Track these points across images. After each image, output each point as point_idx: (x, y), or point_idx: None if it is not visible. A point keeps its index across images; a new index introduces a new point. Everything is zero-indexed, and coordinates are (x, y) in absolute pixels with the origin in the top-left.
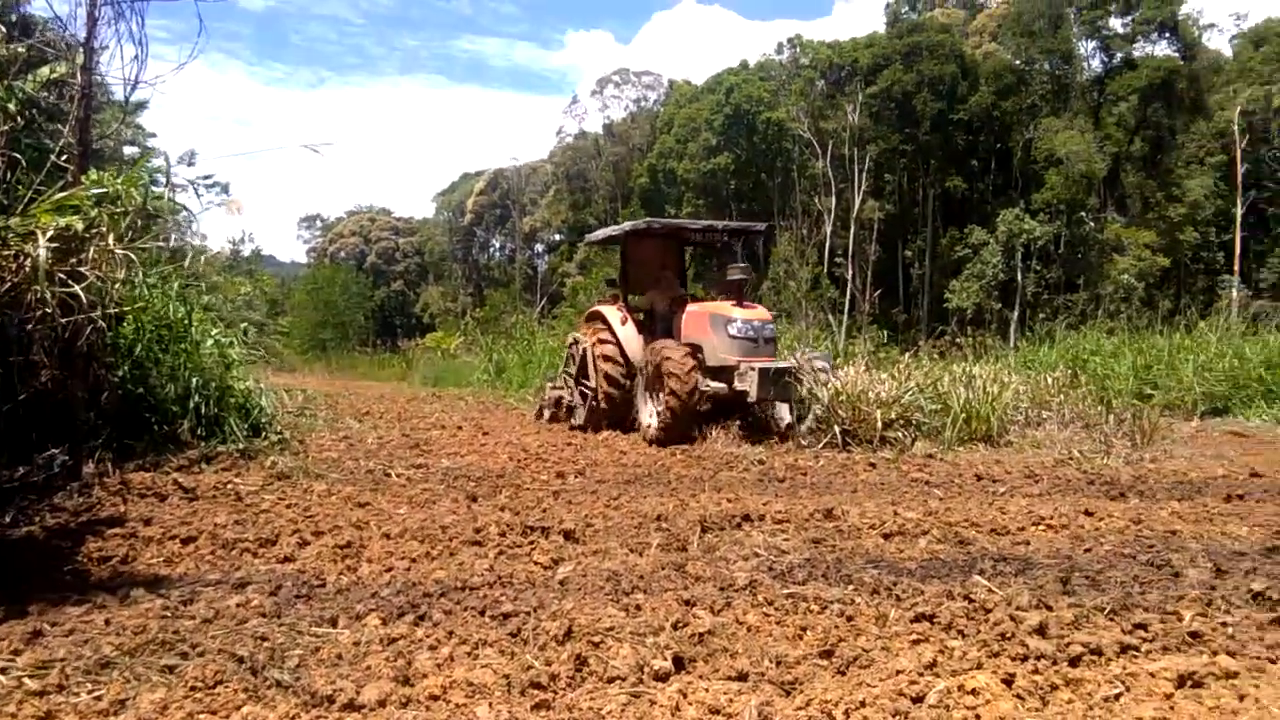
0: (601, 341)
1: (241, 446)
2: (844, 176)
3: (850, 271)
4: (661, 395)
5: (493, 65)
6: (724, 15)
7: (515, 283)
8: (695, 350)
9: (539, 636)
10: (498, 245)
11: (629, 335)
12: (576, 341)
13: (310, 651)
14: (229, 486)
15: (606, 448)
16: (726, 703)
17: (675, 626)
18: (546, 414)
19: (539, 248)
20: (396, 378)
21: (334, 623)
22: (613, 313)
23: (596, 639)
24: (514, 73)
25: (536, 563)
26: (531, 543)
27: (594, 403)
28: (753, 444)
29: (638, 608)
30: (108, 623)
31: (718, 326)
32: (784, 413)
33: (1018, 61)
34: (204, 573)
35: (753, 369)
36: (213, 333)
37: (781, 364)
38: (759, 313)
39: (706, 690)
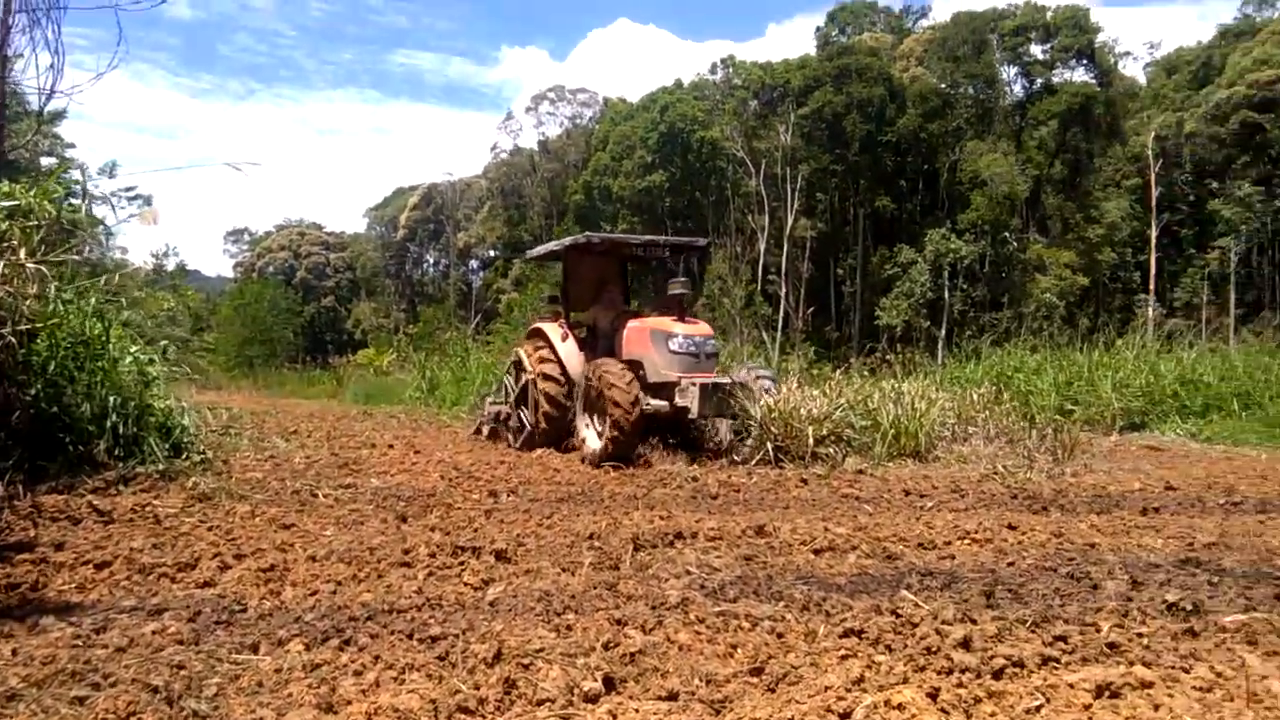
0: (543, 360)
1: (161, 467)
2: (777, 195)
3: (783, 289)
4: (604, 415)
5: (427, 80)
6: (659, 35)
7: (449, 299)
8: (636, 366)
9: (468, 659)
10: (431, 261)
11: (570, 352)
12: (518, 359)
13: (229, 680)
14: (147, 509)
15: (540, 465)
16: None
17: (606, 646)
18: (485, 430)
19: (474, 264)
20: (327, 395)
21: (255, 649)
22: (553, 330)
23: (526, 661)
24: (449, 88)
25: (467, 584)
26: (462, 563)
27: (534, 422)
28: (687, 461)
29: (569, 628)
30: (15, 653)
31: (658, 342)
32: (724, 429)
33: (943, 85)
34: (118, 599)
35: (694, 385)
36: (132, 349)
37: (722, 379)
38: (700, 328)
39: (636, 711)
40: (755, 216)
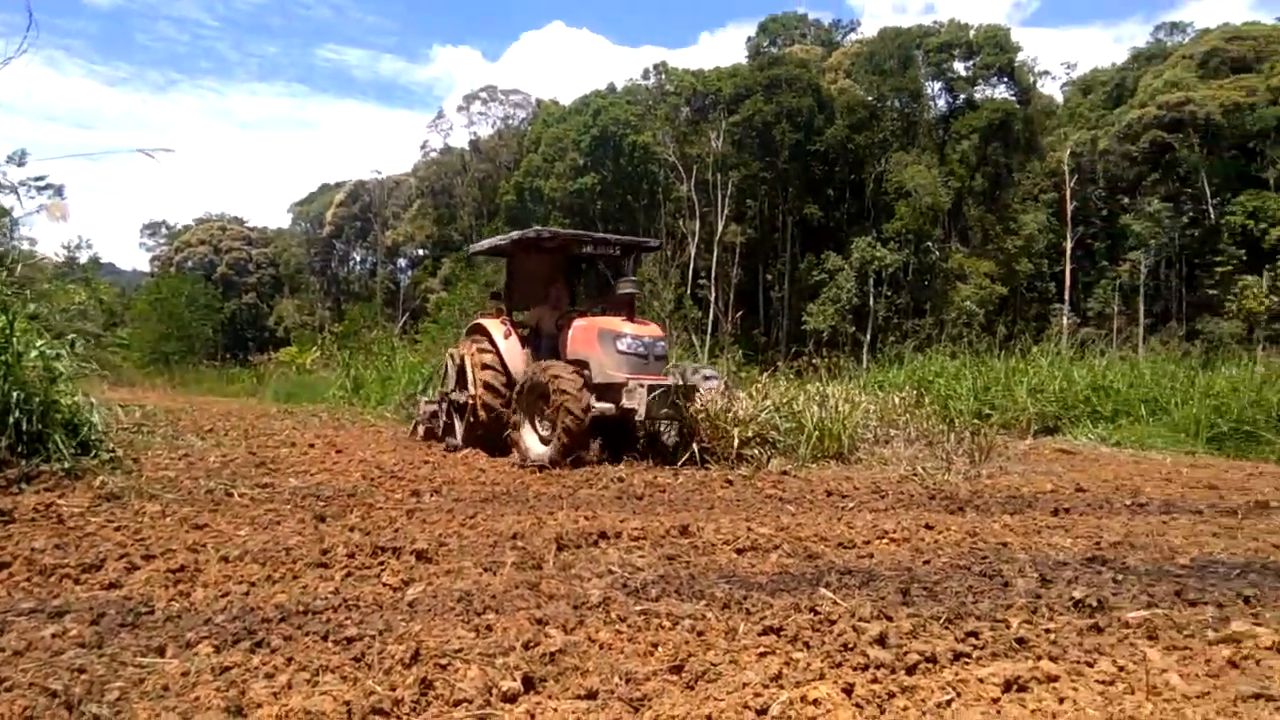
0: (481, 351)
1: (67, 465)
2: (708, 201)
3: (713, 293)
4: (549, 418)
5: (356, 76)
6: (592, 39)
7: (376, 297)
8: (581, 366)
9: (384, 660)
10: (358, 259)
11: (512, 351)
12: (458, 357)
13: (133, 684)
14: (51, 508)
15: (465, 465)
16: None
17: (526, 646)
18: (422, 430)
19: (402, 262)
20: (246, 394)
21: (161, 652)
22: (495, 326)
23: (444, 661)
24: (378, 85)
25: (386, 584)
26: (381, 564)
27: (472, 416)
28: (613, 462)
29: (489, 628)
30: None
31: (606, 342)
32: (673, 432)
33: (870, 98)
34: (17, 601)
35: (641, 386)
36: (38, 344)
37: (670, 382)
38: (650, 329)
39: (555, 710)
40: (686, 221)
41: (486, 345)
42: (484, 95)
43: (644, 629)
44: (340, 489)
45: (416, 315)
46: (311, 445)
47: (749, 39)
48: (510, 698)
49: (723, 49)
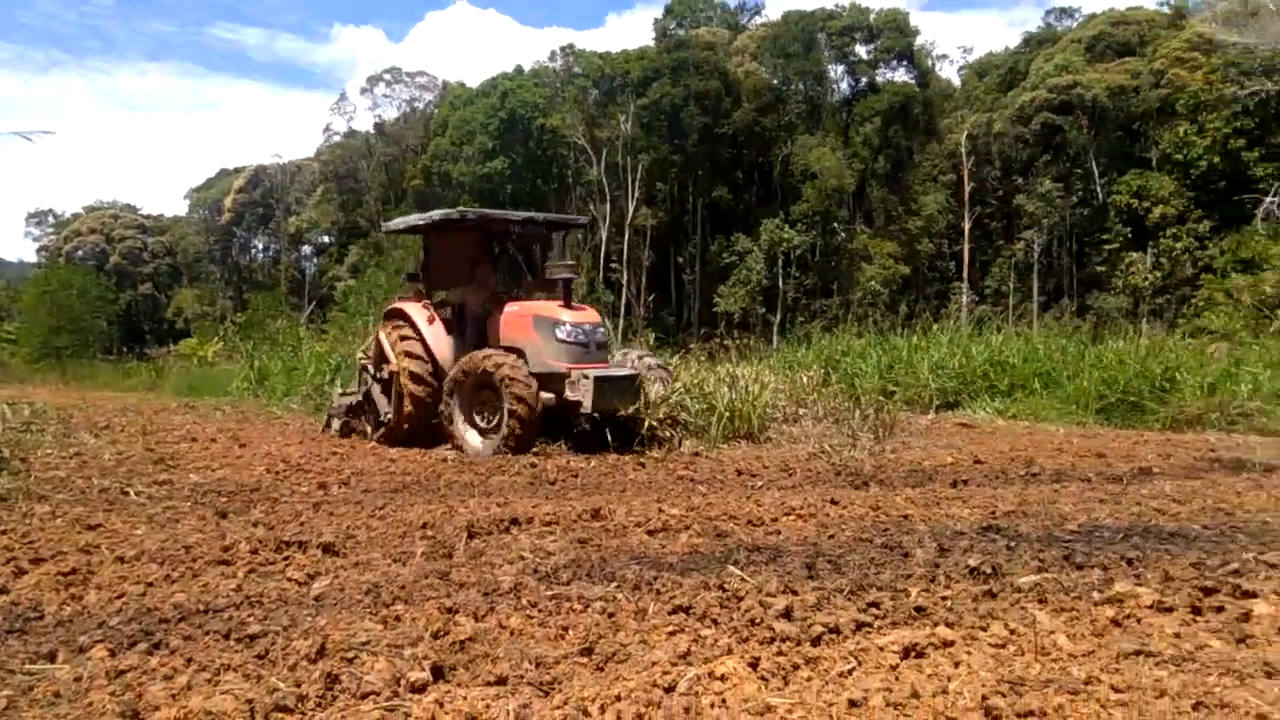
0: (404, 338)
1: None
2: (618, 184)
3: (625, 276)
4: (492, 410)
5: (253, 56)
6: (498, 20)
7: (281, 286)
8: (517, 355)
9: (289, 656)
10: (260, 246)
11: (437, 337)
12: (378, 345)
13: (22, 691)
14: None
15: (375, 456)
16: (484, 708)
17: (436, 636)
18: (336, 424)
19: (307, 249)
20: (144, 388)
21: (52, 657)
22: (417, 310)
23: (351, 654)
24: (277, 65)
25: (291, 579)
26: (286, 559)
27: (396, 415)
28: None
29: (397, 619)
30: None
31: (544, 329)
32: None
33: (776, 81)
34: None
35: (586, 377)
36: None
37: (620, 371)
38: (588, 315)
39: (465, 698)
40: (597, 204)
41: (408, 331)
42: (388, 77)
43: (555, 613)
44: (243, 484)
45: (323, 304)
46: (213, 440)
47: (655, 21)
48: (419, 688)
49: (630, 31)
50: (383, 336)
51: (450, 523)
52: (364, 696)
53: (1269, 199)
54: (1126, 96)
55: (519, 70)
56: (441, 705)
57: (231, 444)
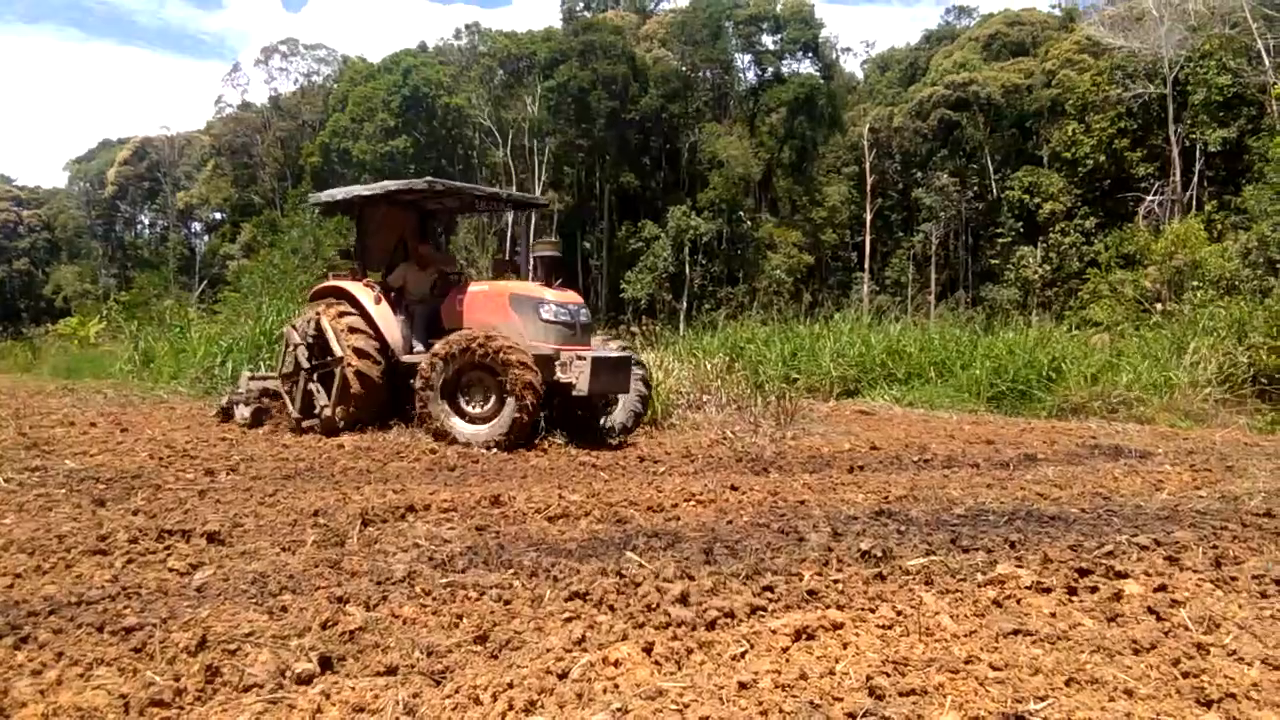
0: (343, 315)
1: None
2: (525, 167)
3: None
4: (484, 395)
5: (138, 21)
6: None
7: (169, 264)
8: None
9: (167, 649)
10: (147, 222)
11: (385, 316)
12: (316, 326)
13: None
14: None
15: (268, 441)
16: (372, 699)
17: (324, 626)
18: (245, 412)
19: (196, 226)
20: (20, 369)
21: None
22: (360, 289)
23: (233, 646)
24: (164, 32)
25: (172, 569)
26: (168, 548)
27: (338, 402)
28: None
29: (284, 609)
30: None
31: (525, 309)
32: (620, 410)
33: (683, 68)
34: None
35: (581, 358)
36: None
37: (614, 353)
38: (570, 295)
39: (353, 689)
40: (502, 187)
41: (349, 309)
42: (284, 48)
43: (449, 601)
44: (124, 470)
45: (215, 283)
46: (93, 424)
47: (562, 1)
48: (305, 679)
49: (536, 11)
50: (322, 318)
51: (344, 510)
52: (246, 689)
53: (1150, 198)
54: (1020, 95)
55: (422, 47)
56: (328, 697)
57: (113, 429)
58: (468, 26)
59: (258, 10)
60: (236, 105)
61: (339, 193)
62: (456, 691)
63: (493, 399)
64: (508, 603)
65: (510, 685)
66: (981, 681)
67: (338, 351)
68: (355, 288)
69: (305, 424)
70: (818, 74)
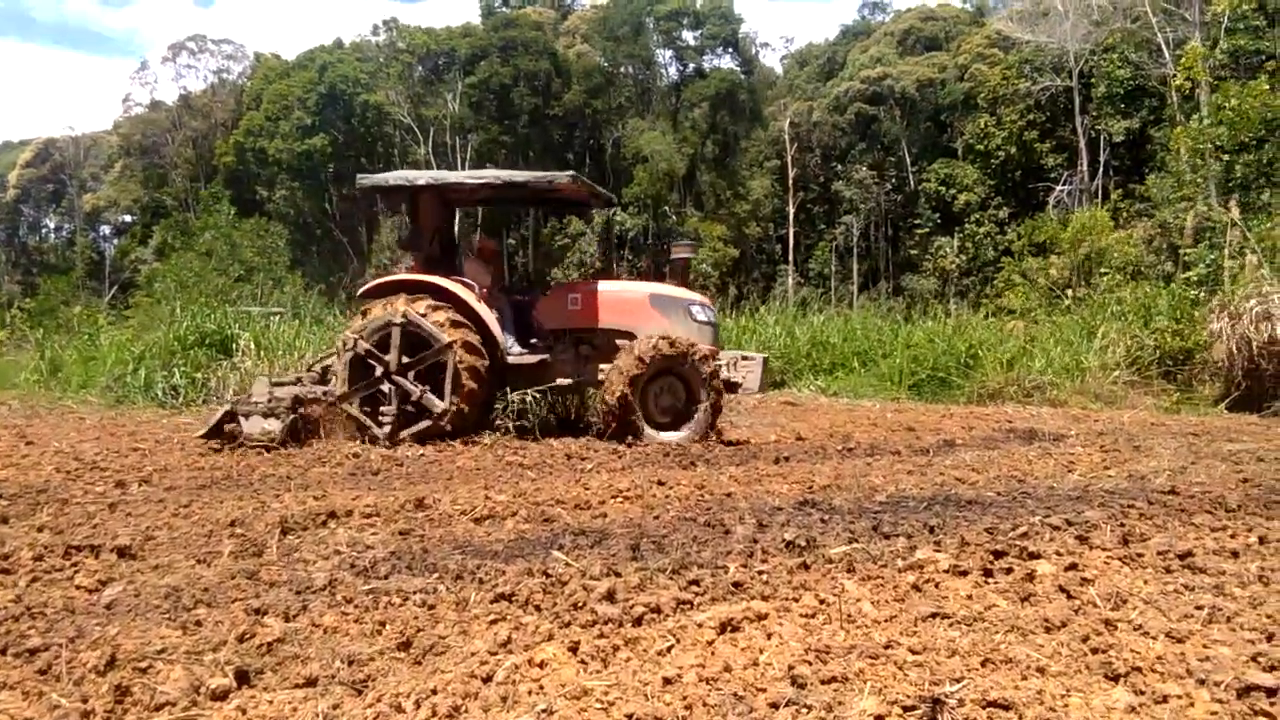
0: (436, 308)
1: None
2: (447, 164)
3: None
4: (676, 396)
5: (37, 16)
6: None
7: (77, 269)
8: (615, 338)
9: (74, 670)
10: (52, 226)
11: (488, 313)
12: (405, 323)
13: None
14: None
15: (181, 451)
16: (291, 712)
17: (241, 639)
18: (263, 427)
19: (105, 229)
20: None
21: None
22: (456, 286)
23: (145, 664)
24: (65, 28)
25: (80, 586)
26: (75, 564)
27: (451, 405)
28: (349, 437)
29: (198, 623)
30: None
31: (674, 311)
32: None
33: (606, 64)
34: None
35: (748, 358)
36: None
37: (758, 354)
38: (704, 297)
39: (270, 702)
40: None
41: (443, 304)
42: (192, 45)
43: (371, 608)
44: (29, 485)
45: (126, 288)
46: None
47: None
48: (220, 695)
49: (453, 6)
50: (417, 315)
51: (262, 519)
52: (158, 708)
53: (1059, 187)
54: (934, 89)
55: (338, 44)
56: (244, 712)
57: (17, 441)
58: (385, 23)
59: (166, 5)
60: (145, 104)
61: (471, 178)
62: (378, 700)
63: (671, 401)
64: (432, 607)
65: (434, 691)
66: (900, 666)
67: (443, 339)
68: (455, 286)
69: (407, 433)
70: (738, 69)
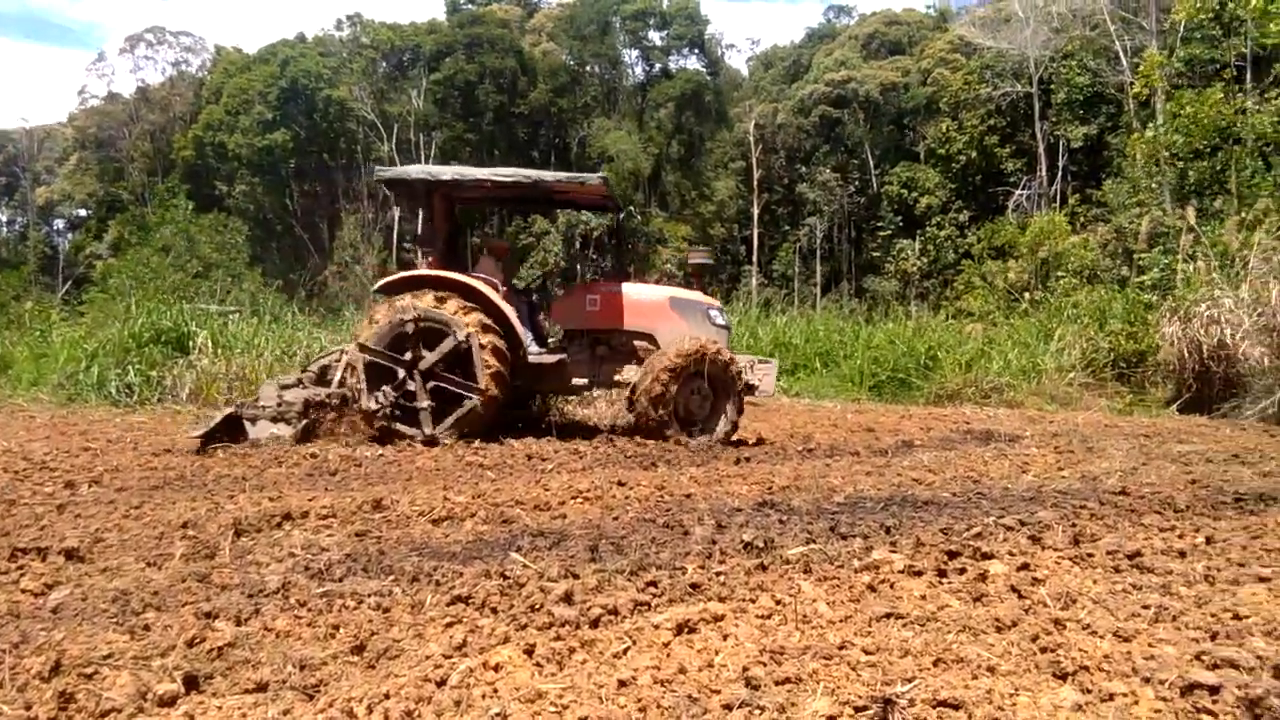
0: (485, 327)
1: None
2: (411, 161)
3: (418, 257)
4: (718, 397)
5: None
6: None
7: (29, 264)
8: (633, 339)
9: (18, 676)
10: (4, 219)
11: (516, 319)
12: (426, 318)
13: None
14: None
15: (133, 451)
16: (240, 718)
17: (190, 644)
18: (273, 431)
19: (59, 224)
20: None
21: None
22: (480, 283)
23: (90, 670)
24: (24, 19)
25: (25, 590)
26: (21, 568)
27: (481, 397)
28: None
29: (146, 628)
30: None
31: (693, 314)
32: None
33: (572, 62)
34: None
35: (764, 361)
36: None
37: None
38: (717, 301)
39: (219, 709)
40: None
41: (480, 312)
42: (150, 37)
43: (325, 612)
44: None
45: (80, 283)
46: None
47: None
48: (168, 701)
49: (419, 2)
50: (443, 312)
51: (215, 520)
52: (104, 715)
53: (1018, 192)
54: (897, 93)
55: (301, 38)
56: (192, 718)
57: None
58: (349, 18)
59: None
60: (102, 96)
61: (501, 174)
62: (330, 705)
63: (699, 401)
64: (387, 610)
65: (387, 696)
66: (854, 666)
67: (461, 326)
68: (477, 283)
69: (443, 427)
70: (704, 70)
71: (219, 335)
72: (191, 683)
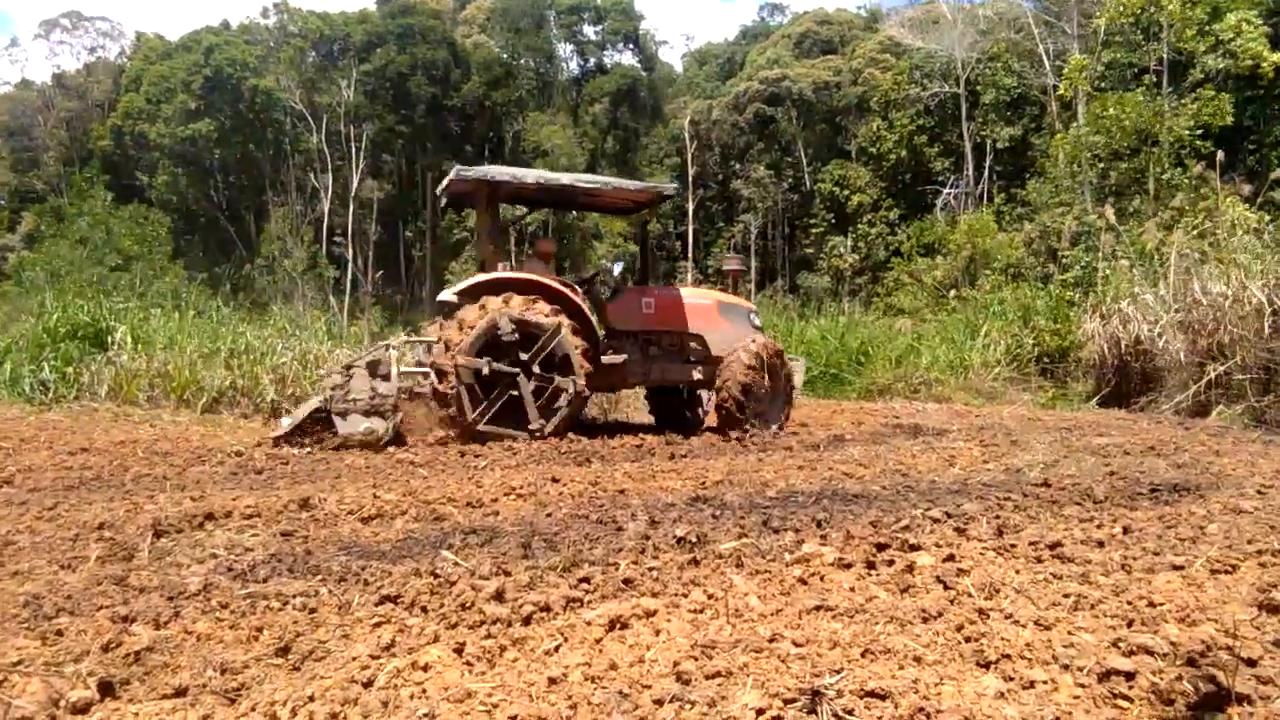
0: (574, 332)
1: None
2: (341, 153)
3: (350, 251)
4: (774, 393)
5: None
6: None
7: None
8: (695, 340)
9: None
10: None
11: (588, 321)
12: (515, 318)
13: None
14: None
15: (49, 450)
16: None
17: (106, 648)
18: (367, 426)
19: None
20: None
21: None
22: (562, 286)
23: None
24: None
25: None
26: None
27: (575, 392)
28: (230, 433)
29: (59, 633)
30: None
31: (736, 316)
32: (709, 402)
33: (506, 55)
34: None
35: (795, 359)
36: None
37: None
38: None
39: (135, 714)
40: (317, 175)
41: (548, 304)
42: (66, 22)
43: (248, 613)
44: None
45: None
46: None
47: None
48: (81, 708)
49: None
50: (531, 312)
51: (134, 521)
52: None
53: (946, 190)
54: (829, 91)
55: (225, 25)
56: None
57: None
58: (275, 5)
59: None
60: (14, 83)
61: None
62: (253, 709)
63: (763, 396)
64: (313, 611)
65: (311, 698)
66: (784, 659)
67: (550, 324)
68: (558, 285)
69: (550, 427)
70: (639, 66)
71: (139, 331)
72: (107, 689)
